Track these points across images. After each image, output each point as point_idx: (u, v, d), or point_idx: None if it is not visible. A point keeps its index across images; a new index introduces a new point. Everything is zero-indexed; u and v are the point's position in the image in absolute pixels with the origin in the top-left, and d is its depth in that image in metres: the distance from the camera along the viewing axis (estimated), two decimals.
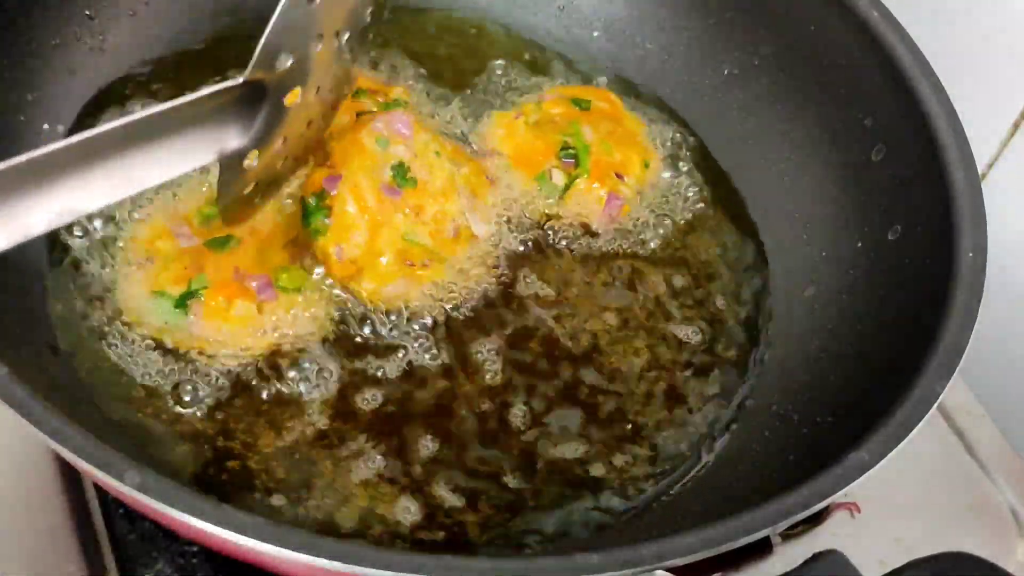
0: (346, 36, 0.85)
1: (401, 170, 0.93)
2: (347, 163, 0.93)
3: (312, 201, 0.92)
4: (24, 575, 0.83)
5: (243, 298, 0.89)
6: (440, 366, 0.91)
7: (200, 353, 0.88)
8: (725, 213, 1.07)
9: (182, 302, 0.88)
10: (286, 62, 0.78)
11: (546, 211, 1.02)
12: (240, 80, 0.76)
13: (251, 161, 0.81)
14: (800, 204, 1.03)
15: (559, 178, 1.02)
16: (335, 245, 0.92)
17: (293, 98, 0.81)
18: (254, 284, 0.90)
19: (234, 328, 0.89)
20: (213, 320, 0.88)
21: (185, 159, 0.77)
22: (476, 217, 0.97)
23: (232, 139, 0.80)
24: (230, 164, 0.81)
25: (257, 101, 0.79)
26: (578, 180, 1.02)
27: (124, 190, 0.73)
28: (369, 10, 0.87)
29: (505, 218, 1.01)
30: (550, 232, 1.02)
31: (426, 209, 0.94)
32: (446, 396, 0.90)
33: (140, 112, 0.72)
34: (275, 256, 0.93)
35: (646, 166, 1.06)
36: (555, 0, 1.18)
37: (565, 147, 1.03)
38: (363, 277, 0.93)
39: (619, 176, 1.04)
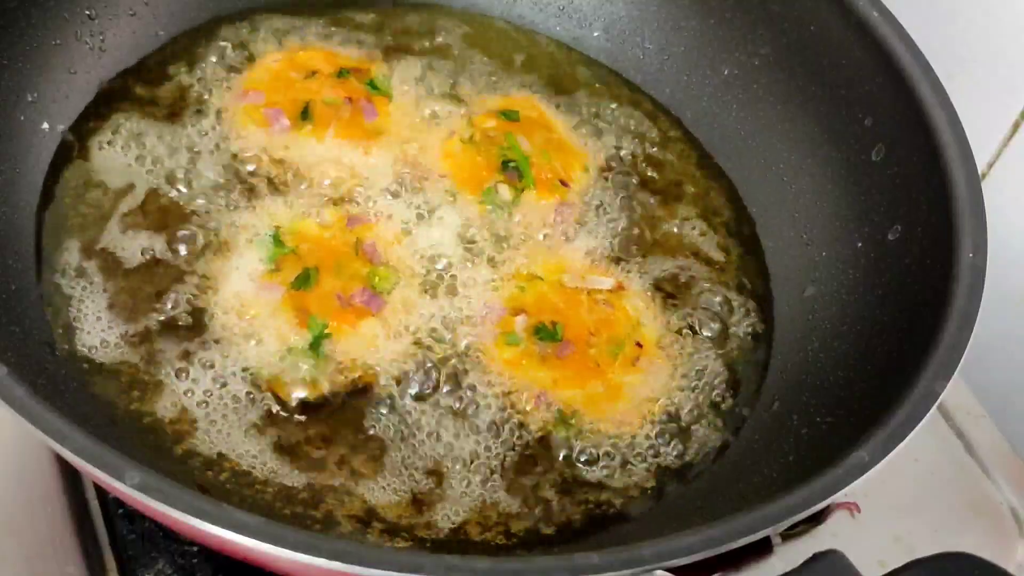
0: None
1: None
2: None
3: None
4: (24, 575, 0.83)
5: (363, 317, 0.89)
6: None
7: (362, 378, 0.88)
8: (725, 214, 1.07)
9: (316, 349, 0.87)
10: None
11: (498, 231, 1.00)
12: None
13: None
14: (800, 204, 1.03)
15: (506, 192, 1.01)
16: None
17: None
18: (361, 300, 0.90)
19: (373, 344, 0.89)
20: (351, 348, 0.88)
21: None
22: None
23: None
24: None
25: None
26: (525, 192, 1.01)
27: None
28: None
29: None
30: None
31: None
32: None
33: None
34: (355, 266, 0.92)
35: (585, 170, 1.06)
36: (555, 0, 1.18)
37: (506, 161, 1.02)
38: None
39: (564, 184, 1.03)
